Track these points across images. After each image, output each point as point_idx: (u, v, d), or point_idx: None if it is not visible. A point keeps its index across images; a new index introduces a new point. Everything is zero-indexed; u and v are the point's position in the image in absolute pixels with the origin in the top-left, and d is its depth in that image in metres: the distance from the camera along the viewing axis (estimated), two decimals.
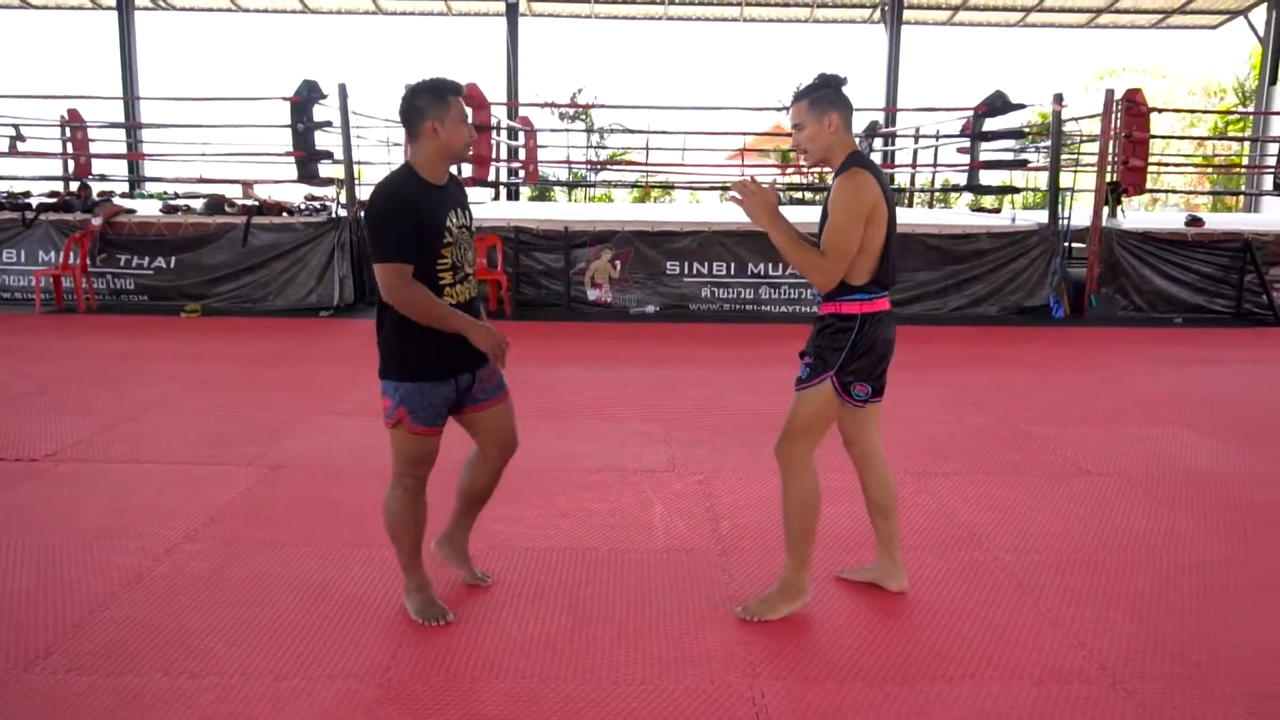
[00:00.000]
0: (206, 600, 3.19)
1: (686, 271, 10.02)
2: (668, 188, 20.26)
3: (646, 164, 15.91)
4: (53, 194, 12.17)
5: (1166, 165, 15.80)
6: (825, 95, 2.93)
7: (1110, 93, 10.33)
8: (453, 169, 3.04)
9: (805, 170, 18.73)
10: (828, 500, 4.23)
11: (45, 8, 20.76)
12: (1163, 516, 4.12)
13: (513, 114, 15.37)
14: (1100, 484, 4.54)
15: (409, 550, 3.07)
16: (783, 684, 2.72)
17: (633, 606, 3.18)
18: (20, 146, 13.05)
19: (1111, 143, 10.31)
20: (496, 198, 15.66)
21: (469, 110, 2.92)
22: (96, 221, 10.03)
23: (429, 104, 2.85)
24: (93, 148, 14.01)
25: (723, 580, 3.42)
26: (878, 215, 2.89)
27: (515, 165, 15.48)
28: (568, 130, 19.33)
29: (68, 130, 13.64)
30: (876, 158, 17.03)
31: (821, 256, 2.90)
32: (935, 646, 2.95)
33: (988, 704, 2.63)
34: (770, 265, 10.02)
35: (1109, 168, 10.34)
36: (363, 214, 2.83)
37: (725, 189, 18.60)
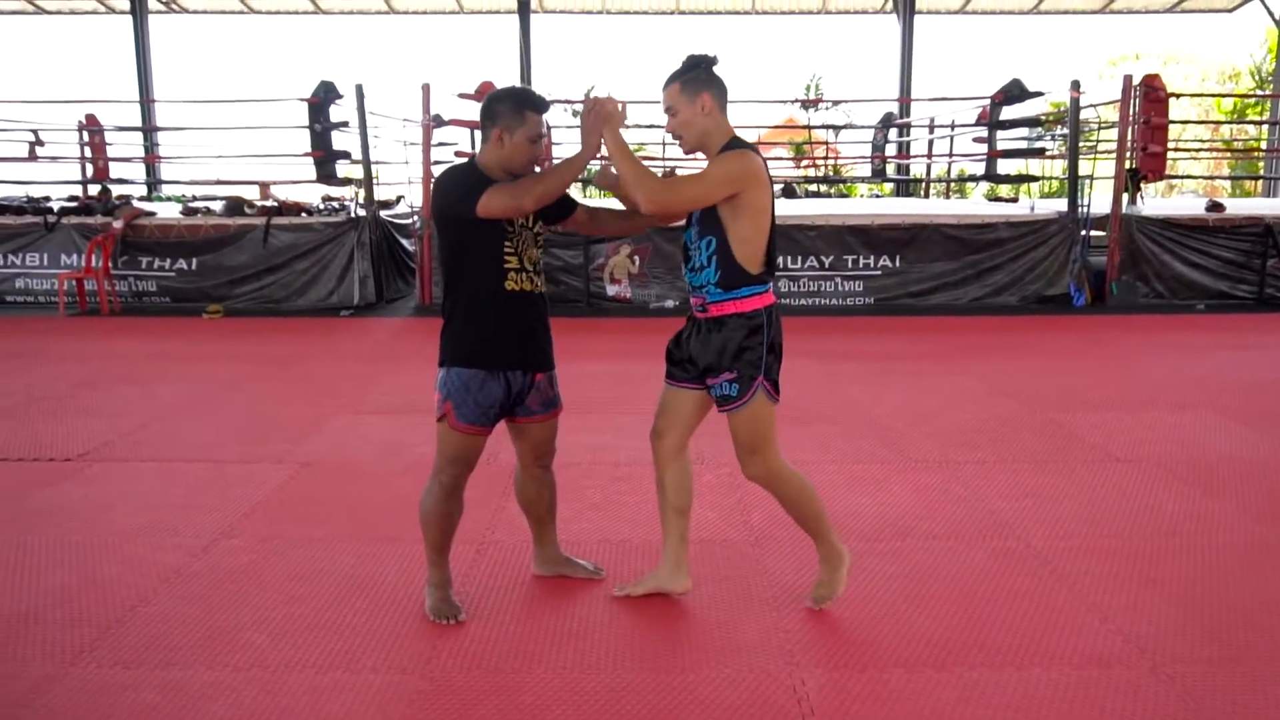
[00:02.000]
0: (246, 595, 3.21)
1: None
2: None
3: (661, 158, 15.89)
4: (73, 198, 12.26)
5: (1184, 150, 15.70)
6: (697, 76, 2.79)
7: (1128, 78, 10.27)
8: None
9: (817, 162, 18.70)
10: (853, 490, 4.26)
11: (59, 13, 20.89)
12: (1196, 501, 4.10)
13: None
14: (1131, 470, 4.52)
15: (434, 544, 3.06)
16: (823, 671, 2.72)
17: (668, 598, 3.19)
18: (39, 152, 13.15)
19: (1130, 129, 10.24)
20: None
21: (545, 130, 2.91)
22: (118, 224, 10.11)
23: (504, 113, 2.83)
24: (110, 151, 14.11)
25: (757, 571, 3.43)
26: (762, 197, 2.77)
27: None
28: (581, 127, 19.28)
29: (85, 135, 13.74)
30: (891, 149, 16.97)
31: (659, 180, 2.78)
32: (973, 633, 2.94)
33: (1030, 689, 2.62)
34: (789, 259, 10.01)
35: (1128, 154, 10.28)
36: (432, 208, 2.85)
37: None
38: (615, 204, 3.24)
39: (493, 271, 2.84)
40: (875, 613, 3.09)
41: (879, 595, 3.22)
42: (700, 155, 2.89)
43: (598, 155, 2.88)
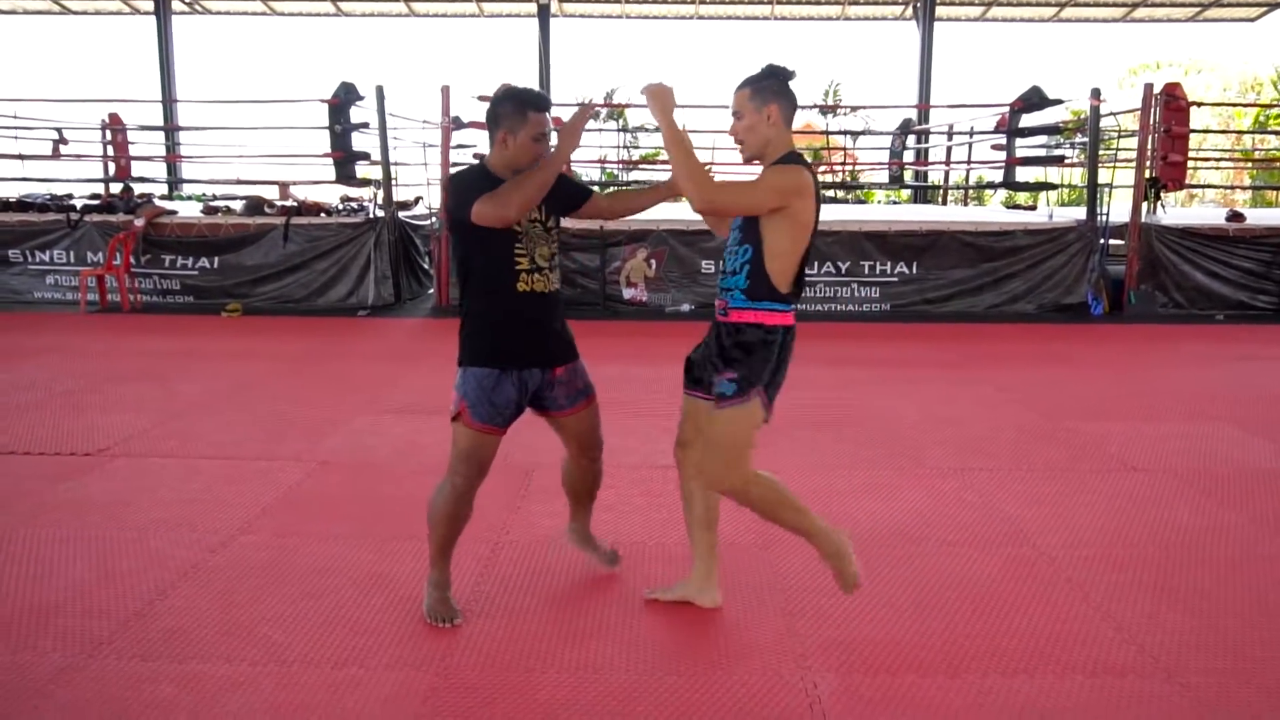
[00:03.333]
0: (263, 591, 3.24)
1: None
2: None
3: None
4: (95, 196, 12.38)
5: (1204, 160, 15.59)
6: (769, 86, 2.79)
7: (1149, 87, 10.24)
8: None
9: (835, 168, 18.68)
10: (868, 495, 4.26)
11: (84, 14, 21.11)
12: (1213, 513, 4.08)
13: None
14: (1147, 480, 4.50)
15: (439, 545, 3.06)
16: (836, 675, 2.73)
17: (681, 601, 3.19)
18: (62, 150, 13.29)
19: (1151, 137, 10.20)
20: None
21: (549, 127, 2.93)
22: (139, 223, 10.20)
23: (506, 114, 2.86)
24: (132, 150, 14.24)
25: (767, 574, 3.43)
26: (805, 212, 2.74)
27: None
28: (600, 130, 19.36)
29: (108, 134, 13.88)
30: (909, 155, 16.94)
31: (710, 183, 2.74)
32: (986, 639, 2.94)
33: (1042, 697, 2.62)
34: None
35: (1148, 163, 10.23)
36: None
37: None
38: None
39: (503, 273, 2.87)
40: (888, 618, 3.09)
41: (892, 600, 3.22)
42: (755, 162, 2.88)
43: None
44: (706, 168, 2.88)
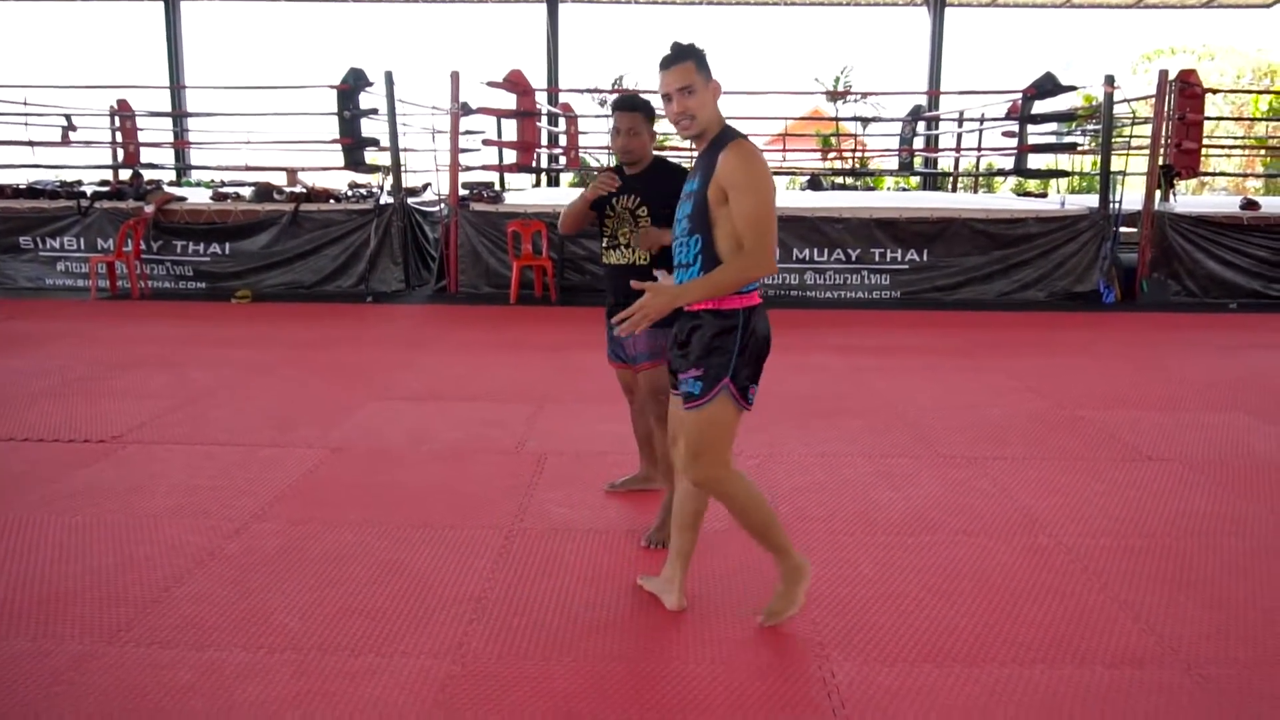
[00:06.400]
0: (279, 578, 3.25)
1: None
2: None
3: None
4: (104, 182, 12.39)
5: (1217, 148, 15.48)
6: (704, 58, 2.66)
7: (1164, 73, 10.15)
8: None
9: (845, 154, 18.59)
10: (881, 483, 4.24)
11: None
12: (1229, 502, 4.06)
13: (553, 100, 15.38)
14: (1163, 470, 4.48)
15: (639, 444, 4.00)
16: (853, 665, 2.72)
17: (697, 590, 3.19)
18: (71, 136, 13.29)
19: (1165, 124, 10.12)
20: (537, 184, 15.70)
21: (626, 123, 3.49)
22: (149, 209, 10.20)
23: (614, 113, 3.54)
24: (141, 136, 14.24)
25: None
26: (773, 187, 2.70)
27: (557, 151, 15.50)
28: (609, 116, 19.25)
29: (117, 120, 13.87)
30: (919, 142, 16.85)
31: (749, 252, 2.60)
32: (1003, 629, 2.93)
33: (1061, 688, 2.61)
34: (815, 250, 9.97)
35: (1161, 150, 10.16)
36: None
37: None
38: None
39: (602, 248, 3.66)
40: (904, 607, 3.08)
41: (908, 589, 3.21)
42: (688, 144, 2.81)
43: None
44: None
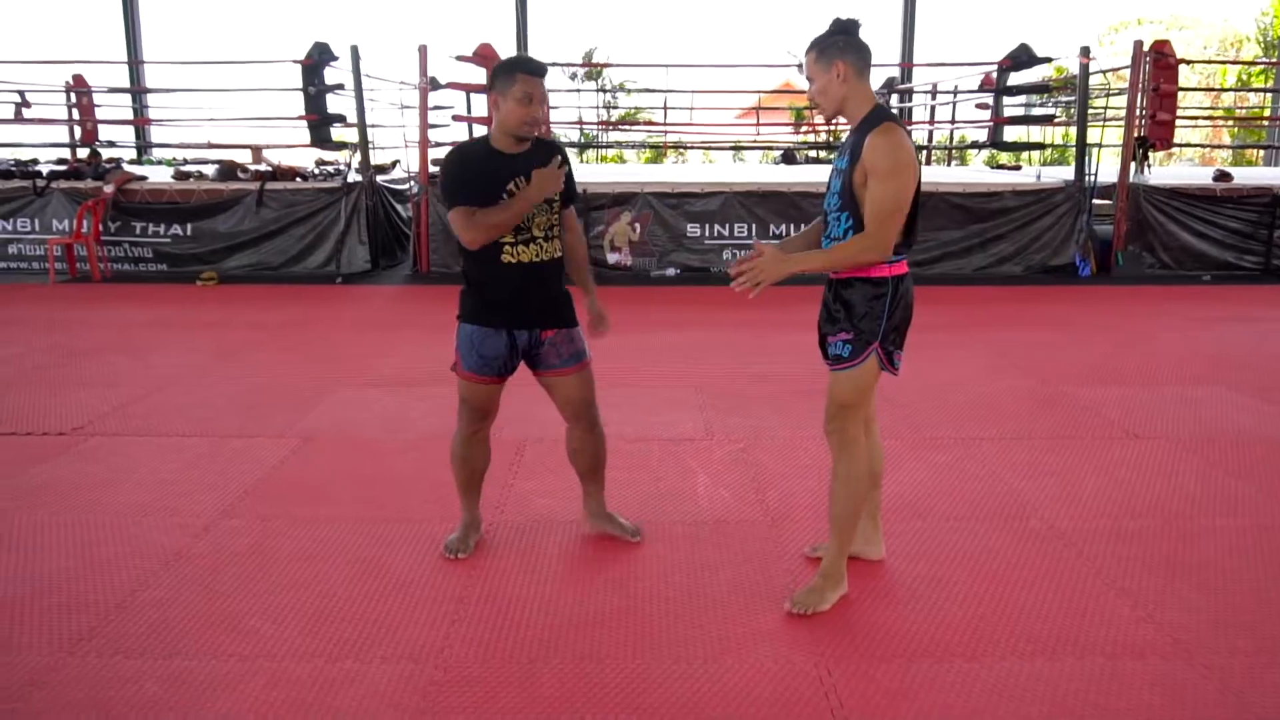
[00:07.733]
0: (249, 580, 3.11)
1: (707, 234, 9.88)
2: (680, 147, 19.99)
3: (659, 124, 15.69)
4: (61, 161, 12.03)
5: (1187, 119, 15.49)
6: (835, 43, 2.72)
7: (1139, 44, 10.09)
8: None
9: (817, 127, 18.47)
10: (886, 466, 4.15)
11: None
12: (1218, 480, 4.02)
13: None
14: (1150, 448, 4.43)
15: (458, 486, 3.34)
16: (850, 662, 2.64)
17: (687, 583, 3.10)
18: (25, 113, 12.88)
19: (1140, 96, 10.07)
20: None
21: (540, 90, 2.95)
22: (109, 189, 9.90)
23: (498, 79, 2.93)
24: (99, 114, 13.84)
25: (775, 553, 3.33)
26: (914, 174, 2.74)
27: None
28: (579, 90, 19.00)
29: (73, 96, 13.47)
30: None
31: (869, 236, 2.67)
32: (1001, 620, 2.86)
33: (1063, 680, 2.54)
34: (792, 226, 9.86)
35: (1137, 122, 10.12)
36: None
37: (738, 148, 18.34)
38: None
39: (490, 246, 2.99)
40: (900, 598, 3.00)
41: (901, 579, 3.13)
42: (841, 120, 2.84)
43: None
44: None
